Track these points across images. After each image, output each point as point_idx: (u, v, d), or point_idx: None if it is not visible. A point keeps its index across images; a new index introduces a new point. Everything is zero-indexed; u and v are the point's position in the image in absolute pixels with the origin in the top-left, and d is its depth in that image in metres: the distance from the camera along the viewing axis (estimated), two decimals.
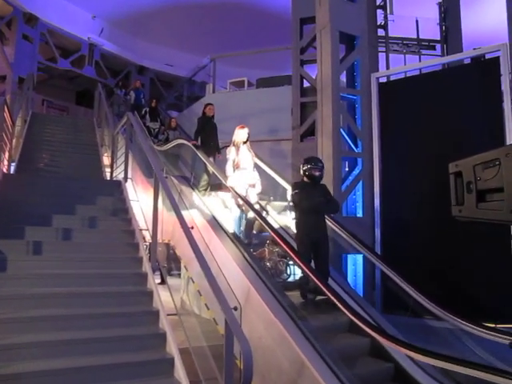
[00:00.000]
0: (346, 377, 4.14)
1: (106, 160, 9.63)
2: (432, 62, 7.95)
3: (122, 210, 6.12)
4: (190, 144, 7.73)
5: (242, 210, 6.57)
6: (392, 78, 8.00)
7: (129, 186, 6.89)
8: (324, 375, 4.02)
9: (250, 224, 6.54)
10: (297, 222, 5.44)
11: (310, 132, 9.64)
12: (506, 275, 5.97)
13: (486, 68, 6.58)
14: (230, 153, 6.60)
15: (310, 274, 4.79)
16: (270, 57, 12.39)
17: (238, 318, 3.07)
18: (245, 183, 6.49)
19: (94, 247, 5.18)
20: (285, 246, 5.02)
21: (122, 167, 7.41)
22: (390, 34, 12.45)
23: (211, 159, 7.62)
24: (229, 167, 6.49)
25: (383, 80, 7.55)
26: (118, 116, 11.83)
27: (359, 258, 7.25)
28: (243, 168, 6.52)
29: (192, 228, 4.06)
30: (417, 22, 13.12)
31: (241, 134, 6.66)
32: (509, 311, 5.86)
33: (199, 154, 7.40)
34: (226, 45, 13.84)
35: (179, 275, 10.87)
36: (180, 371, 3.69)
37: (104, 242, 5.35)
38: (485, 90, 6.54)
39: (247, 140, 6.73)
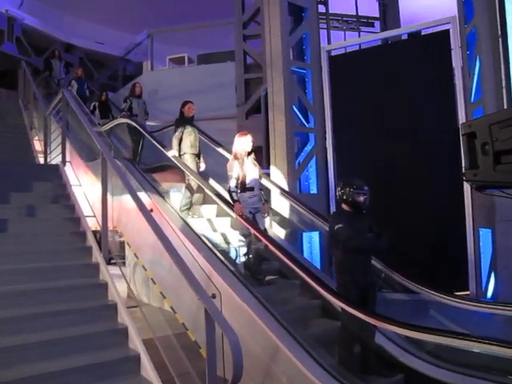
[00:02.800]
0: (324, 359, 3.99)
1: (38, 145, 8.87)
2: (386, 33, 7.90)
3: (63, 196, 5.57)
4: (166, 152, 6.56)
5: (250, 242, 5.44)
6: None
7: (68, 169, 6.29)
8: (302, 359, 3.83)
9: (259, 256, 5.36)
10: (340, 264, 4.25)
11: (255, 109, 9.39)
12: (458, 246, 6.09)
13: (436, 41, 6.57)
14: (233, 168, 5.28)
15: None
16: (210, 34, 11.88)
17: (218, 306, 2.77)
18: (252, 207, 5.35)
19: (35, 238, 4.64)
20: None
21: (57, 151, 6.79)
22: (330, 11, 12.38)
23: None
24: (233, 185, 5.23)
25: (334, 54, 7.37)
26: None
27: (315, 235, 7.13)
28: (250, 187, 5.32)
29: (152, 211, 3.66)
30: None
31: (243, 143, 5.45)
32: (459, 279, 5.99)
33: (183, 168, 6.26)
34: (163, 22, 13.08)
35: (123, 263, 10.33)
36: (148, 368, 3.35)
37: (45, 232, 4.80)
38: (436, 64, 6.55)
39: (252, 151, 5.52)
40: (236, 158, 5.34)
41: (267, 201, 5.65)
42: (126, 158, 7.59)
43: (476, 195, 5.93)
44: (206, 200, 7.16)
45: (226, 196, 5.59)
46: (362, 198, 4.18)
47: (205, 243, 5.07)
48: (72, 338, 3.51)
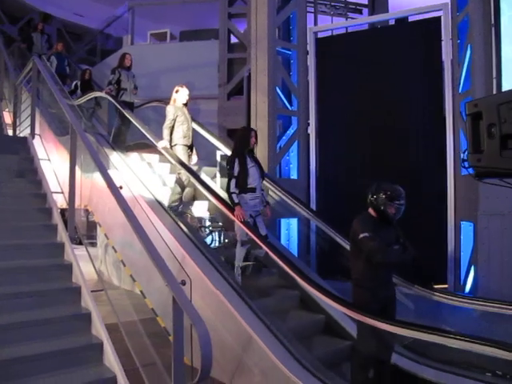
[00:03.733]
0: (298, 351, 3.82)
1: (8, 117, 8.40)
2: (374, 17, 7.70)
3: (30, 171, 5.22)
4: (157, 145, 5.73)
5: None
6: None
7: (37, 143, 5.92)
8: (276, 351, 3.65)
9: (259, 264, 5.00)
10: (360, 275, 3.59)
11: (238, 90, 9.12)
12: (439, 239, 5.99)
13: (426, 28, 6.39)
14: (234, 166, 4.67)
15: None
16: (193, 11, 11.43)
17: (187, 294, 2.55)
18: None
19: None
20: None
21: (27, 123, 6.39)
22: None
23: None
24: (233, 185, 4.64)
25: (321, 35, 7.14)
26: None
27: (293, 222, 6.96)
28: (251, 187, 4.72)
29: (121, 188, 3.40)
30: None
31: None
32: (439, 272, 5.90)
33: (174, 161, 5.56)
34: None
35: (92, 244, 10.02)
36: (111, 357, 3.12)
37: (8, 208, 4.47)
38: (425, 52, 6.39)
39: (253, 147, 4.94)
40: (238, 155, 4.72)
41: (269, 203, 5.09)
42: (99, 134, 7.24)
43: (460, 187, 5.84)
44: (197, 195, 6.65)
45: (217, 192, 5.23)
46: (393, 210, 3.55)
47: (180, 227, 4.82)
48: (30, 323, 3.24)
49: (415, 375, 4.02)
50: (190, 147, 5.90)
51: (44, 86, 7.07)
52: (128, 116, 6.41)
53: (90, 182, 5.90)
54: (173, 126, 5.68)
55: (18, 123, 6.89)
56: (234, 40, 9.49)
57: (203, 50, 9.58)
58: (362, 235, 3.48)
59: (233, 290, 4.18)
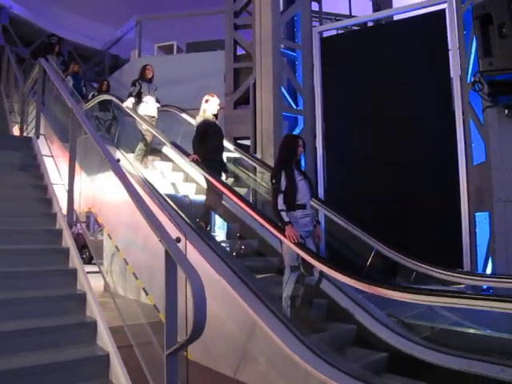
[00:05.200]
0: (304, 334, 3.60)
1: (16, 129, 8.48)
2: (379, 13, 7.69)
3: (33, 166, 5.20)
4: (188, 160, 5.30)
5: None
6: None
7: (41, 142, 5.93)
8: (282, 335, 3.45)
9: (309, 294, 4.22)
10: None
11: (244, 100, 9.11)
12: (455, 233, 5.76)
13: (431, 21, 6.33)
14: (280, 180, 4.10)
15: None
16: (199, 24, 11.61)
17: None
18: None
19: None
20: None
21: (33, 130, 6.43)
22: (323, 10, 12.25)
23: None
24: (281, 201, 4.02)
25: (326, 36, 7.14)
26: None
27: None
28: (301, 203, 4.16)
29: (119, 161, 3.29)
30: None
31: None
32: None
33: (205, 174, 5.04)
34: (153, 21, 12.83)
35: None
36: (118, 370, 2.83)
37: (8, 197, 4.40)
38: (431, 45, 6.30)
39: (299, 159, 4.43)
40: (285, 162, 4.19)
41: (319, 222, 4.48)
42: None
43: (472, 179, 5.66)
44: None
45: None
46: None
47: (179, 215, 4.65)
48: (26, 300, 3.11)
49: (436, 365, 3.78)
50: (221, 164, 5.45)
51: (50, 97, 7.15)
52: (152, 130, 6.27)
53: (93, 186, 5.88)
54: (203, 140, 5.21)
55: (25, 127, 6.94)
56: (240, 51, 9.59)
57: (209, 61, 9.64)
58: None
59: (236, 276, 3.98)
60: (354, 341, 4.20)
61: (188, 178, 6.86)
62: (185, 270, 2.19)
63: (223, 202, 5.40)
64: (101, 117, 8.24)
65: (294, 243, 3.81)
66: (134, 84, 6.91)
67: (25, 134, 6.81)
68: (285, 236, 3.87)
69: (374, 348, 4.05)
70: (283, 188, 4.02)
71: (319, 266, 3.80)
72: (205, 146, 5.14)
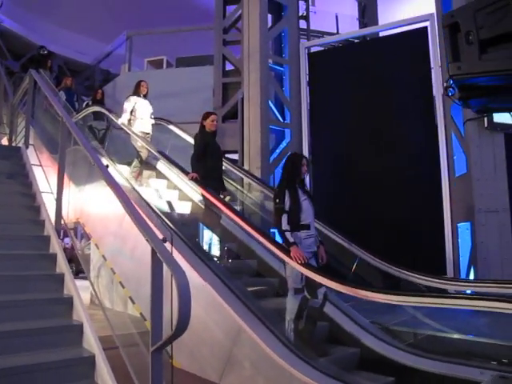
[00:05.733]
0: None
1: (5, 140, 8.50)
2: (365, 30, 7.90)
3: (22, 174, 5.24)
4: (187, 179, 5.19)
5: None
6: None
7: (31, 153, 5.97)
8: (267, 339, 3.50)
9: (312, 317, 4.03)
10: None
11: (232, 114, 9.24)
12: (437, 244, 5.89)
13: (414, 39, 6.55)
14: (284, 199, 4.00)
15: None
16: (189, 39, 11.80)
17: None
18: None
19: None
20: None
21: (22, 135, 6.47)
22: (311, 28, 12.53)
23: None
24: (285, 222, 3.93)
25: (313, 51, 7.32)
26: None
27: None
28: (305, 224, 4.04)
29: (107, 167, 3.36)
30: (336, 17, 13.36)
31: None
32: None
33: (204, 193, 4.93)
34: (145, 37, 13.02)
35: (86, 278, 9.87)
36: (104, 373, 2.84)
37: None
38: (414, 62, 6.51)
39: (303, 178, 4.30)
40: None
41: (323, 243, 4.32)
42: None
43: (455, 190, 5.80)
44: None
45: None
46: None
47: (166, 223, 4.70)
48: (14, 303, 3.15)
49: (419, 369, 3.84)
50: (220, 182, 5.34)
51: (39, 106, 7.20)
52: (151, 149, 6.28)
53: (81, 196, 5.92)
54: (201, 157, 5.10)
55: (13, 138, 6.97)
56: (229, 67, 9.76)
57: (199, 76, 9.78)
58: None
59: (221, 282, 4.03)
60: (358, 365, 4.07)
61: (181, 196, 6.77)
62: (170, 267, 2.25)
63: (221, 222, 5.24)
64: (95, 126, 8.13)
65: (301, 264, 3.67)
66: (128, 100, 6.77)
67: (13, 145, 6.84)
68: (290, 257, 3.74)
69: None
70: (287, 208, 3.91)
71: (331, 286, 3.64)
72: (203, 164, 5.05)
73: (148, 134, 6.80)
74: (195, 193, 5.50)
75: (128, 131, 6.54)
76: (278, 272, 5.01)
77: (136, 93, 6.84)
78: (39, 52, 11.68)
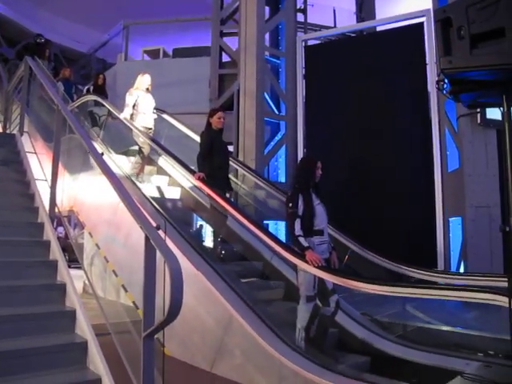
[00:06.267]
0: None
1: None
2: (362, 24, 7.90)
3: (16, 162, 5.23)
4: (193, 178, 4.93)
5: None
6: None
7: (25, 140, 5.95)
8: (258, 328, 3.54)
9: (324, 324, 3.95)
10: None
11: (228, 106, 9.24)
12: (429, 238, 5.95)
13: (410, 34, 6.57)
14: (297, 203, 3.88)
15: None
16: (186, 30, 11.76)
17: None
18: None
19: None
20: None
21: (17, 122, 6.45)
22: (308, 21, 12.52)
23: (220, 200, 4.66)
24: (298, 227, 3.83)
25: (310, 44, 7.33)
26: None
27: (281, 225, 6.91)
28: (318, 229, 3.96)
29: (103, 154, 3.37)
30: (334, 11, 13.34)
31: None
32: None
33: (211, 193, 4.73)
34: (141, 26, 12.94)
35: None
36: (97, 358, 2.86)
37: None
38: (410, 57, 6.54)
39: (317, 182, 4.16)
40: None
41: (335, 248, 4.19)
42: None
43: (447, 185, 5.86)
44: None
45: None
46: None
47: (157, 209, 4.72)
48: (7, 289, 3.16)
49: (407, 360, 3.91)
50: (227, 181, 5.18)
51: (34, 94, 7.16)
52: (152, 144, 6.08)
53: (76, 184, 5.91)
54: (207, 156, 4.91)
55: (8, 125, 6.94)
56: (225, 58, 9.74)
57: (195, 67, 9.76)
58: None
59: (213, 271, 4.07)
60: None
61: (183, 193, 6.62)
62: (163, 253, 2.28)
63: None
64: (96, 111, 7.96)
65: (318, 267, 3.55)
66: (130, 93, 6.50)
67: (8, 132, 6.81)
68: (305, 261, 3.62)
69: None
70: (300, 212, 3.81)
71: (355, 286, 3.52)
72: (210, 163, 4.87)
73: (150, 129, 6.57)
74: (199, 191, 5.35)
75: (130, 126, 6.33)
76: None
77: (138, 86, 6.57)
78: (36, 40, 11.49)
